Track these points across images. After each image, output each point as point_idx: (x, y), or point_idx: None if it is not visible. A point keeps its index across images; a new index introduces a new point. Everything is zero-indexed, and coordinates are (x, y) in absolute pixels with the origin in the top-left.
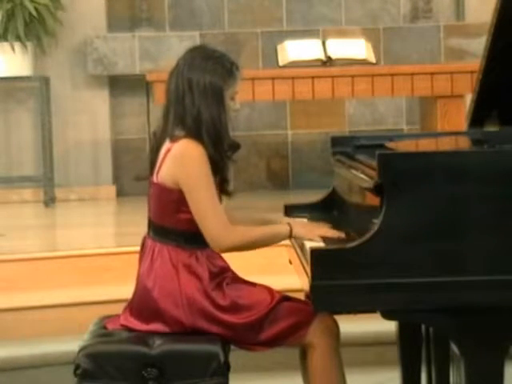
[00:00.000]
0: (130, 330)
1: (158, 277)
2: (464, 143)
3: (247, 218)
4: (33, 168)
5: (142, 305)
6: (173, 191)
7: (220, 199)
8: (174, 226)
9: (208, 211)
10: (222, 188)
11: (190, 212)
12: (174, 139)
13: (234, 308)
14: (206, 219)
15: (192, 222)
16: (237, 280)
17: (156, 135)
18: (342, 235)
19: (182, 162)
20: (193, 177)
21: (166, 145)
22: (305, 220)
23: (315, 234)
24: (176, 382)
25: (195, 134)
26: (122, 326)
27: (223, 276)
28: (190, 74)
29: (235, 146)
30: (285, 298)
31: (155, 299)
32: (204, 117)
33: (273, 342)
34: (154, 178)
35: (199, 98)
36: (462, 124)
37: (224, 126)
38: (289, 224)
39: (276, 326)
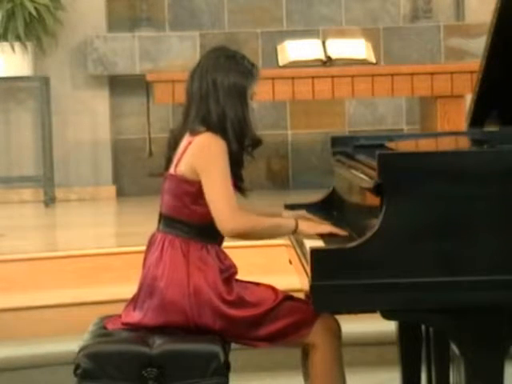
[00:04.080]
0: (130, 325)
1: (167, 266)
2: (464, 143)
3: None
4: (33, 168)
5: (147, 295)
6: (192, 183)
7: None
8: (188, 219)
9: (220, 194)
10: (237, 186)
11: (206, 205)
12: (194, 133)
13: (240, 303)
14: (217, 201)
15: (206, 216)
16: (242, 280)
17: (174, 132)
18: (345, 233)
19: (203, 150)
20: (210, 162)
21: (187, 138)
22: (304, 212)
23: (318, 231)
24: (176, 381)
25: (219, 130)
26: (124, 323)
27: (230, 272)
28: (215, 73)
29: (257, 142)
30: (289, 297)
31: (162, 288)
32: (229, 115)
33: (274, 339)
34: (172, 171)
35: (224, 97)
36: (462, 124)
37: (248, 123)
38: (295, 219)
39: (278, 322)
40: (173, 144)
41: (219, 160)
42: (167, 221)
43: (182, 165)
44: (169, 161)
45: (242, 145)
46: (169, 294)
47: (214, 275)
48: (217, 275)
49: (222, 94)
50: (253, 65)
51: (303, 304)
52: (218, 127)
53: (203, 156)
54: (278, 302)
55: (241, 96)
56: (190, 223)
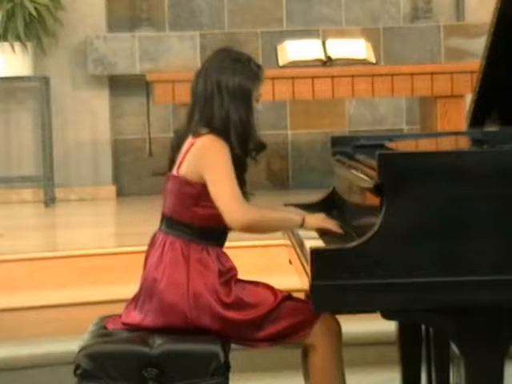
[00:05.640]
0: (131, 326)
1: (168, 268)
2: (464, 143)
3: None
4: (33, 168)
5: (147, 297)
6: (194, 185)
7: None
8: (189, 221)
9: (225, 188)
10: (241, 190)
11: (207, 207)
12: (197, 135)
13: (238, 305)
14: (223, 196)
15: (208, 219)
16: (242, 279)
17: (178, 133)
18: (343, 233)
19: (205, 152)
20: (213, 161)
21: (189, 140)
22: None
23: (324, 225)
24: (176, 381)
25: (223, 133)
26: (124, 323)
27: (231, 274)
28: (220, 75)
29: (261, 146)
30: (288, 297)
31: (161, 290)
32: (232, 118)
33: (274, 340)
34: (175, 172)
35: (228, 99)
36: (462, 124)
37: (252, 126)
38: (302, 214)
39: (278, 324)
40: (176, 145)
41: (222, 158)
42: (169, 222)
43: (184, 166)
44: (172, 162)
45: (245, 149)
46: (168, 297)
47: (214, 278)
48: (216, 278)
49: (226, 96)
50: (259, 67)
51: (303, 304)
52: (221, 130)
53: (205, 156)
54: (278, 303)
55: (245, 99)
56: (192, 225)
